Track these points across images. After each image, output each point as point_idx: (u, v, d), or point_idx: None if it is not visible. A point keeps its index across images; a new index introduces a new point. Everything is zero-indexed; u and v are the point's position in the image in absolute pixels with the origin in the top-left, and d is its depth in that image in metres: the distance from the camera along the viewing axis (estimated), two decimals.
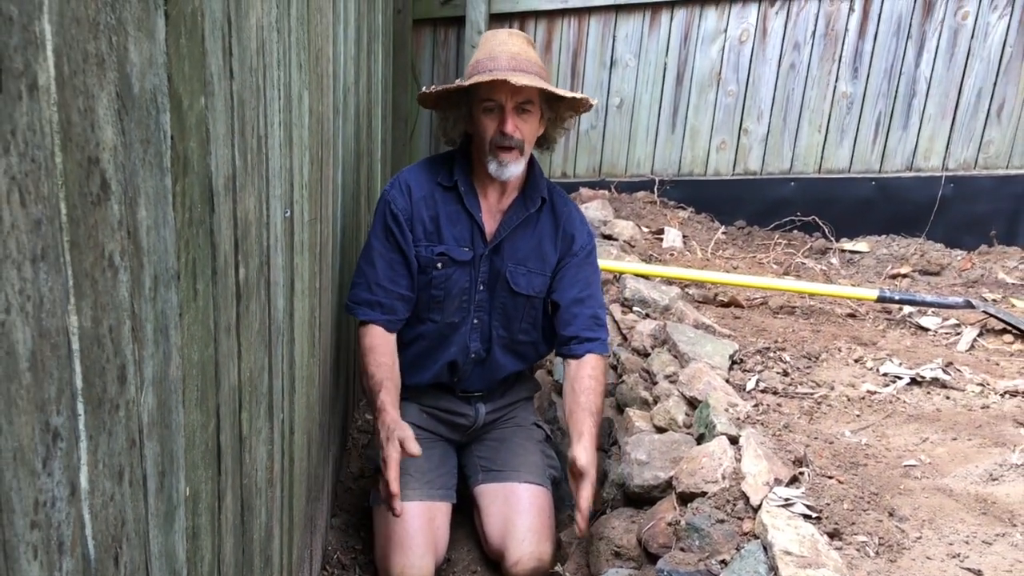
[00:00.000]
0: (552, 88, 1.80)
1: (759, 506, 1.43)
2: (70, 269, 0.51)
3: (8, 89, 0.42)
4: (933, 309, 2.64)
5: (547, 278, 2.00)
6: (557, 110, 1.92)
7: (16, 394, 0.45)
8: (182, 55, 0.70)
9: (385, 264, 1.90)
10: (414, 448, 1.68)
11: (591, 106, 1.92)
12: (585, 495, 1.75)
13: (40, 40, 0.46)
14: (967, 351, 2.36)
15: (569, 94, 1.83)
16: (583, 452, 1.77)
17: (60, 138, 0.48)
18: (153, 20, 0.63)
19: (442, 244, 1.91)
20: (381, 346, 1.91)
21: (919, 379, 2.05)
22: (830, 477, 1.53)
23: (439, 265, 1.91)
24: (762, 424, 1.76)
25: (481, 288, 1.96)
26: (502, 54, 1.80)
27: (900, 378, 2.06)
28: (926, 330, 2.54)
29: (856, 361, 2.20)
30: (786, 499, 1.42)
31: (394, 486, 1.68)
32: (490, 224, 1.94)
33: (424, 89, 1.88)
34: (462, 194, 1.91)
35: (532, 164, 1.96)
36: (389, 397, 1.81)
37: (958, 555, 1.29)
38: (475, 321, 1.99)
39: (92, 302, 0.54)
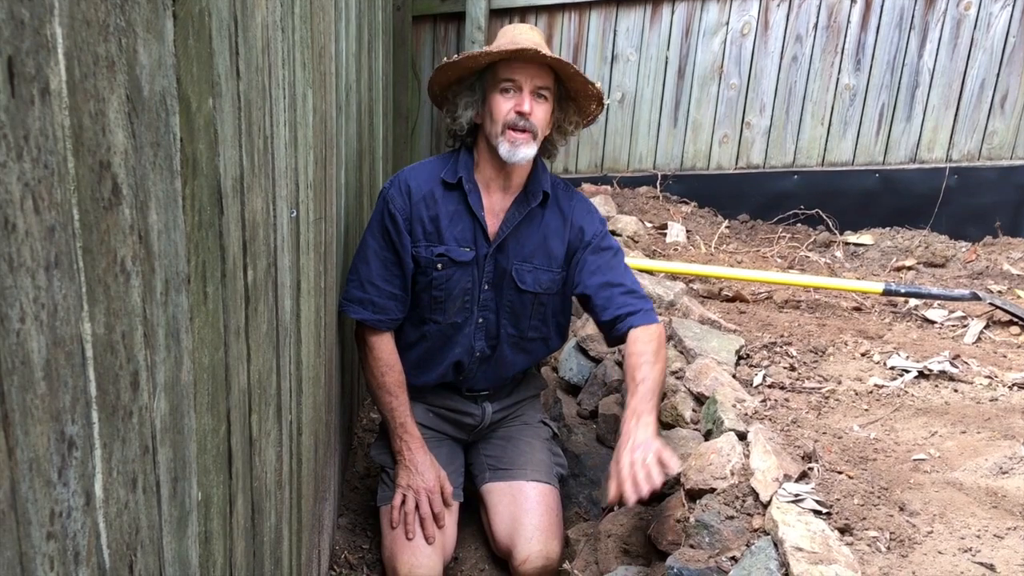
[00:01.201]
0: (574, 67, 1.81)
1: (769, 502, 1.42)
2: (83, 275, 0.50)
3: (20, 93, 0.42)
4: (939, 301, 2.63)
5: (555, 274, 1.98)
6: (565, 111, 1.91)
7: (32, 404, 0.44)
8: (190, 56, 0.69)
9: (379, 263, 1.89)
10: (449, 500, 1.96)
11: (599, 113, 1.93)
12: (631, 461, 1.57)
13: (51, 43, 0.45)
14: (974, 343, 2.35)
15: (589, 79, 1.85)
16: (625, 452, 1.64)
17: (72, 143, 0.48)
18: (162, 21, 0.62)
19: (442, 245, 1.89)
20: (385, 351, 1.94)
21: (927, 372, 2.04)
22: (839, 472, 1.52)
23: (439, 266, 1.90)
24: (770, 419, 1.75)
25: (486, 288, 1.95)
26: (525, 41, 1.81)
27: (907, 371, 2.05)
28: (932, 323, 2.53)
29: (863, 355, 2.19)
30: (796, 495, 1.41)
31: (407, 530, 1.89)
32: (493, 223, 1.93)
33: (445, 59, 1.85)
34: (466, 192, 1.89)
35: (536, 160, 1.95)
36: (410, 419, 1.97)
37: (970, 549, 1.28)
38: (480, 320, 1.98)
39: (105, 308, 0.53)
